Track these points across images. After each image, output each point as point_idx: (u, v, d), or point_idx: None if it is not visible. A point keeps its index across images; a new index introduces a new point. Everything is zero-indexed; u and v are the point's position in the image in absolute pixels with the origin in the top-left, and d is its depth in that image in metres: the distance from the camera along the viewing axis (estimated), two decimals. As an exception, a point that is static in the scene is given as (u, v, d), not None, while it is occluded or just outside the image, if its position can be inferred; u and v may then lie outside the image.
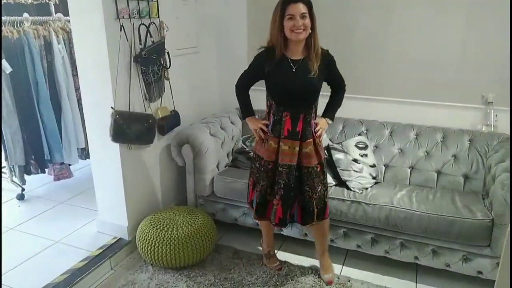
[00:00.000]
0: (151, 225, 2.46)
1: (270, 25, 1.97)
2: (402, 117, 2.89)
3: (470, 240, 2.18)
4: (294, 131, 2.01)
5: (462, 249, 2.22)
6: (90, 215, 2.95)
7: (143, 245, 2.42)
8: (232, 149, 3.06)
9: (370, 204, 2.36)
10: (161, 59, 2.56)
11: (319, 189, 2.07)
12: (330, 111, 2.15)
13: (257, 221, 2.46)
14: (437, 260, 2.29)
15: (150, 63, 2.47)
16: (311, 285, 2.29)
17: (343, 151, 2.70)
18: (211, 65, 3.39)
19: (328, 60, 2.00)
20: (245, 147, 3.01)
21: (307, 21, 1.87)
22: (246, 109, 2.24)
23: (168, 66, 2.61)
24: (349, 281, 2.33)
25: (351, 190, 2.49)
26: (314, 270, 2.41)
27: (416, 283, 2.35)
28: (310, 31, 1.90)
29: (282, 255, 2.59)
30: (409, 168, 2.74)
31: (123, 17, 2.27)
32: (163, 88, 2.69)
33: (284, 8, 1.88)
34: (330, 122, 2.14)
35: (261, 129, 2.12)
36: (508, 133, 2.62)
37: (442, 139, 2.71)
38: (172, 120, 2.79)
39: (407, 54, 2.84)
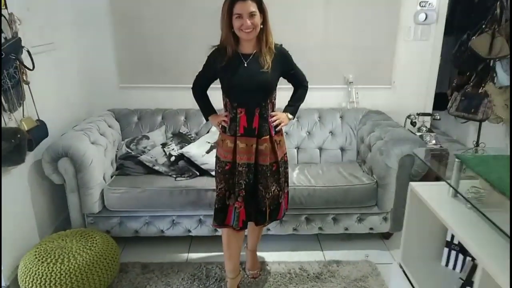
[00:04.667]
0: (38, 259, 2.04)
1: (219, 22, 1.84)
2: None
3: (361, 202, 2.50)
4: (250, 128, 1.91)
5: (356, 212, 2.53)
6: None
7: (31, 287, 1.99)
8: (116, 156, 2.75)
9: (275, 187, 2.46)
10: (20, 59, 2.09)
11: (272, 189, 2.00)
12: (290, 107, 2.10)
13: (216, 229, 2.24)
14: (337, 226, 2.56)
15: (7, 64, 1.99)
16: (234, 279, 2.28)
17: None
18: (72, 63, 2.94)
19: (281, 55, 1.94)
20: (130, 151, 2.74)
21: (256, 19, 1.78)
22: (206, 110, 2.12)
23: (32, 68, 2.15)
24: (267, 265, 2.41)
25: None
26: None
27: (322, 250, 2.59)
28: (262, 26, 1.83)
29: (194, 257, 2.50)
30: (295, 148, 2.96)
31: (-37, 8, 1.76)
32: (23, 95, 2.21)
33: (232, 6, 1.76)
34: (290, 117, 2.08)
35: (223, 120, 1.99)
36: (369, 107, 3.09)
37: (319, 119, 3.00)
38: (39, 131, 2.34)
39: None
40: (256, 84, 1.88)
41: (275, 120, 1.99)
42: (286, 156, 2.12)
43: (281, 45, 1.97)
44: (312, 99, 3.06)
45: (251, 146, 1.93)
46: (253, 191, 2.00)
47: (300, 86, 2.13)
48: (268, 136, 1.96)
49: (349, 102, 3.16)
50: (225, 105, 2.00)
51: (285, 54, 1.97)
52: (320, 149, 2.96)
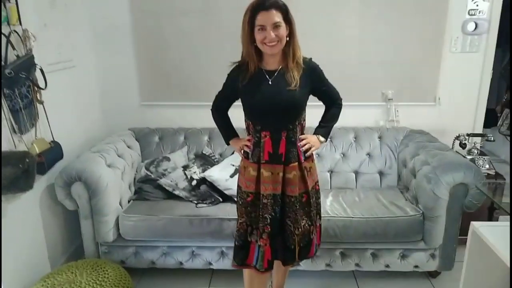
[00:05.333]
0: (44, 296, 1.86)
1: (240, 34, 1.64)
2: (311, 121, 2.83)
3: (405, 237, 2.18)
4: (276, 153, 1.67)
5: (399, 247, 2.22)
6: None
7: (37, 327, 1.80)
8: (134, 179, 2.57)
9: (306, 218, 2.19)
10: (31, 78, 1.95)
11: (302, 224, 1.74)
12: (321, 128, 1.86)
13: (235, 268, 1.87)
14: (377, 263, 2.25)
15: (18, 83, 1.86)
16: (259, 322, 2.01)
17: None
18: (91, 81, 2.82)
19: (311, 70, 1.71)
20: (149, 174, 2.56)
21: (282, 30, 1.57)
22: (226, 133, 1.92)
23: (44, 87, 2.01)
24: (296, 306, 2.13)
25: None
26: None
27: (359, 290, 2.29)
28: (288, 38, 1.62)
29: (215, 293, 2.26)
30: (328, 172, 2.68)
31: (-29, 24, 1.64)
32: (36, 115, 2.08)
33: (254, 17, 1.56)
34: (322, 140, 1.84)
35: (245, 145, 1.77)
36: (410, 127, 2.78)
37: (354, 139, 2.72)
38: (53, 153, 2.20)
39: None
40: (282, 104, 1.64)
41: (304, 145, 1.74)
42: (318, 185, 1.86)
43: (311, 59, 1.73)
44: (347, 117, 2.75)
45: (277, 174, 1.68)
46: (280, 226, 1.73)
47: (333, 105, 1.86)
48: (296, 163, 1.71)
49: (388, 121, 2.86)
50: (247, 127, 1.77)
51: (315, 69, 1.73)
52: (356, 173, 2.67)
